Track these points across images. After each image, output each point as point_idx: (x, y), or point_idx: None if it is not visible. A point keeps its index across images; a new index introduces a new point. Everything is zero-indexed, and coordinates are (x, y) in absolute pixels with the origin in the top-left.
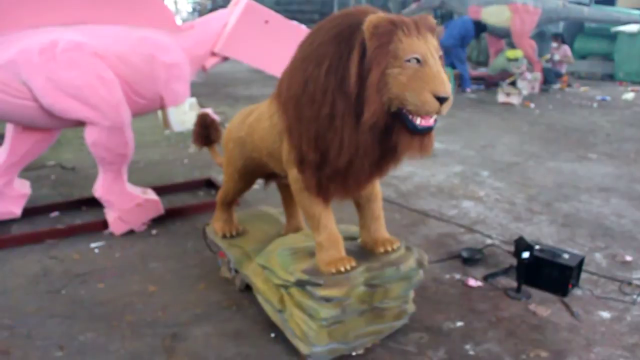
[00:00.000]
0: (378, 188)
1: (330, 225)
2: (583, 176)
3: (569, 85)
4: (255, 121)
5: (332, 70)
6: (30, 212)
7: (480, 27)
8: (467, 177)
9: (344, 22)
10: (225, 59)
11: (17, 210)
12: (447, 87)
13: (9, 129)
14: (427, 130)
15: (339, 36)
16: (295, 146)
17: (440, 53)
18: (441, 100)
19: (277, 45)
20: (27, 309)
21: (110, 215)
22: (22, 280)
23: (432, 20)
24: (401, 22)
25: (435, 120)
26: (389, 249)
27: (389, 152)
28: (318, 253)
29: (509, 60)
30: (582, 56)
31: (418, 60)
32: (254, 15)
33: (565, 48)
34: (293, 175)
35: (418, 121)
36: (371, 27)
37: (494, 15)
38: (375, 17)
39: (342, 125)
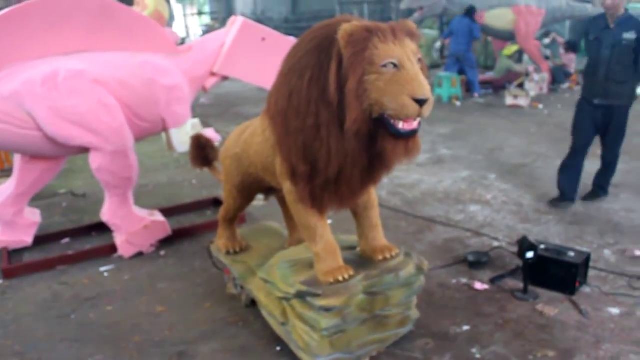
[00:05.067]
0: (374, 196)
1: (327, 236)
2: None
3: (578, 84)
4: (249, 137)
5: (314, 81)
6: (41, 239)
7: None
8: (474, 182)
9: (323, 33)
10: (225, 78)
11: (28, 239)
12: (425, 89)
13: (17, 159)
14: (411, 134)
15: (319, 47)
16: (286, 158)
17: (420, 56)
18: (421, 102)
19: (275, 62)
20: (37, 335)
21: (119, 239)
22: (32, 307)
23: (411, 25)
24: (376, 28)
25: (420, 123)
26: (388, 256)
27: (377, 158)
28: (316, 264)
29: (508, 57)
30: None
31: (395, 65)
32: (250, 33)
33: (571, 57)
34: (287, 187)
35: (400, 125)
36: (346, 36)
37: (497, 19)
38: (349, 25)
39: (327, 134)
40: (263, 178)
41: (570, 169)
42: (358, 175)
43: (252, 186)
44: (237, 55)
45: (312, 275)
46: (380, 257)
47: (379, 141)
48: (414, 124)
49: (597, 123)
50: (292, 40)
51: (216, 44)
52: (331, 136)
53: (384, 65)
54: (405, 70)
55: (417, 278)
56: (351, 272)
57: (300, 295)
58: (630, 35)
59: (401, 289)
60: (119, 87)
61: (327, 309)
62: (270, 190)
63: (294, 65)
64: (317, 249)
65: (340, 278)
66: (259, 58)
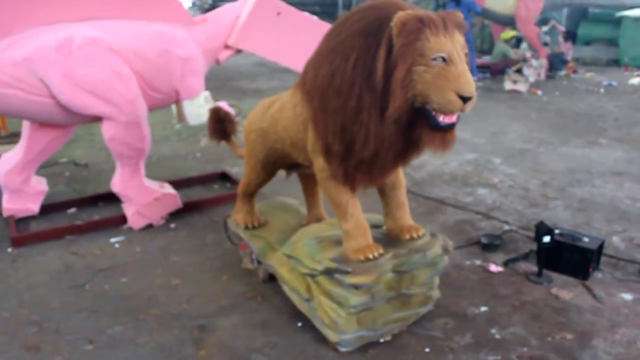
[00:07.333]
0: (401, 176)
1: (357, 213)
2: (595, 161)
3: (574, 72)
4: (277, 111)
5: (359, 63)
6: (47, 209)
7: None
8: (479, 165)
9: (372, 16)
10: (239, 51)
11: (35, 208)
12: (471, 86)
13: (25, 126)
14: (450, 127)
15: (367, 30)
16: (321, 136)
17: (466, 50)
18: (465, 99)
19: (290, 36)
20: (53, 304)
21: (129, 210)
22: (45, 277)
23: (460, 17)
24: (429, 19)
25: (458, 117)
26: (415, 235)
27: (412, 144)
28: (346, 241)
29: (505, 41)
30: (586, 42)
31: (444, 59)
32: (266, 7)
33: (568, 46)
34: (319, 164)
35: (441, 118)
36: (399, 24)
37: (498, 3)
38: (404, 14)
39: (368, 118)
40: (290, 154)
41: None
42: (392, 158)
43: (276, 161)
44: (252, 28)
45: (340, 252)
46: (407, 237)
47: (417, 130)
48: (454, 118)
49: None
50: (307, 16)
51: (231, 16)
52: (371, 120)
53: (434, 59)
54: (453, 65)
55: (441, 258)
56: (381, 251)
57: (329, 272)
58: None
59: (427, 268)
60: (134, 56)
61: (356, 287)
62: (293, 166)
63: (338, 45)
64: (347, 227)
65: (371, 256)
66: (274, 32)
